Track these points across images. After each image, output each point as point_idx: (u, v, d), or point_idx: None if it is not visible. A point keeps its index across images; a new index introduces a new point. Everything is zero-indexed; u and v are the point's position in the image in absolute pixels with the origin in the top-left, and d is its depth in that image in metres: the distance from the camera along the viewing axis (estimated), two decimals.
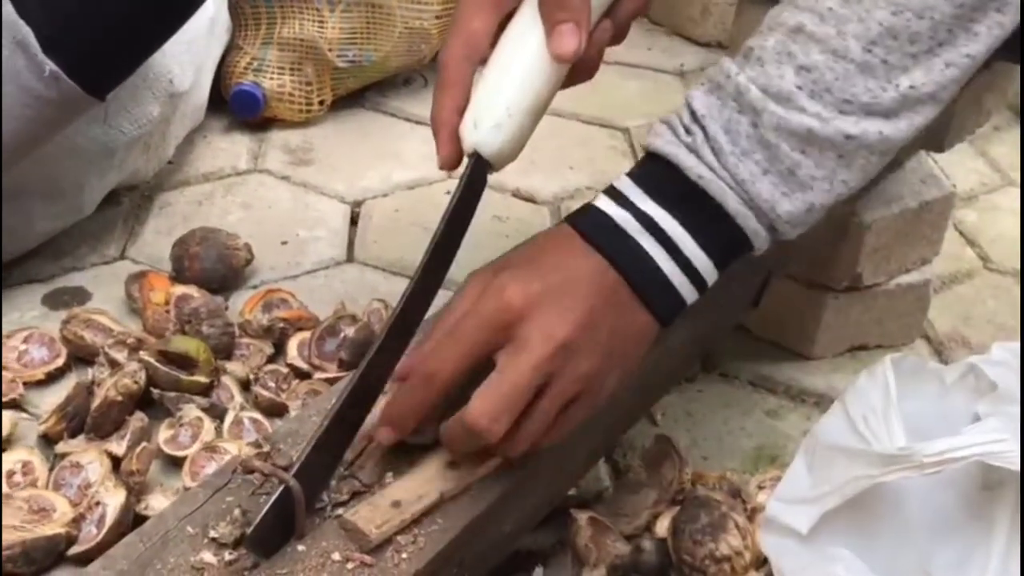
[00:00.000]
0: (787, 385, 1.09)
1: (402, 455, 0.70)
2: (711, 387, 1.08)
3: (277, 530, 0.64)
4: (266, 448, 0.71)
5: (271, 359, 1.05)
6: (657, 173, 0.70)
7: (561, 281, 0.68)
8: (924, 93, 0.68)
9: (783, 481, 0.82)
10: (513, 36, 0.72)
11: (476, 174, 0.72)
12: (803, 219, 0.70)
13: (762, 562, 0.83)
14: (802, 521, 0.77)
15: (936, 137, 1.07)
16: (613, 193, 0.71)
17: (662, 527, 0.85)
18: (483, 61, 0.73)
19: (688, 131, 0.69)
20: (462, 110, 0.72)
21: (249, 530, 0.63)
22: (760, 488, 0.89)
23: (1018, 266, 1.30)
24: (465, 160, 0.72)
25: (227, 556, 0.64)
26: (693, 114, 0.70)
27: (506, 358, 0.66)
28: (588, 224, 0.70)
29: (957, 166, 1.35)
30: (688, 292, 0.70)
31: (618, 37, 0.77)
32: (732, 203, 0.68)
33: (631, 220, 0.69)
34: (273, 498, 0.63)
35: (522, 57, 0.71)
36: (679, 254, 0.69)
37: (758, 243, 0.70)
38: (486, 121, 0.71)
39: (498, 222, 1.31)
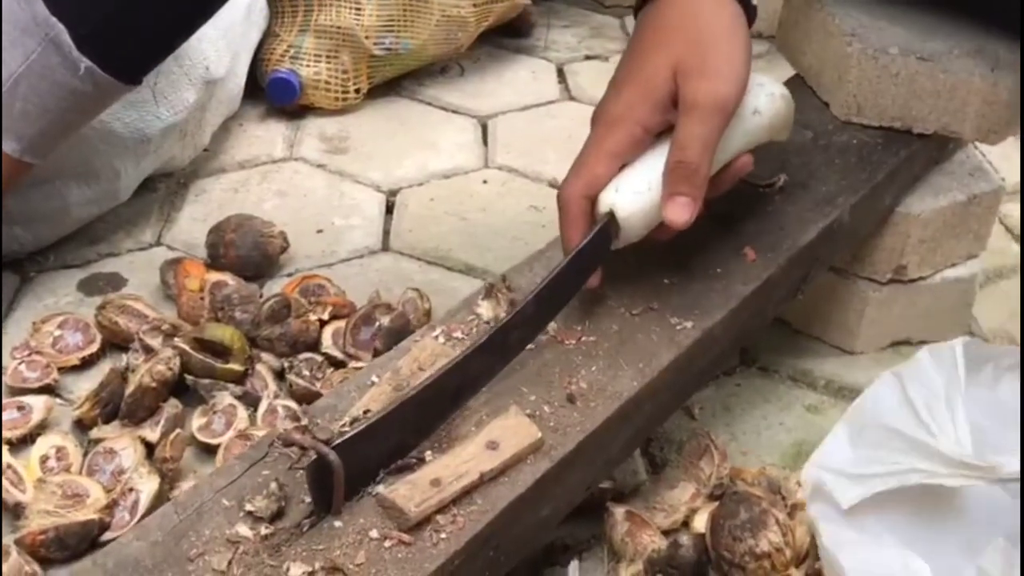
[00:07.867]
0: (828, 380, 1.07)
1: (442, 432, 0.69)
2: (750, 381, 1.06)
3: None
4: (304, 421, 0.70)
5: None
6: None
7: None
8: None
9: (822, 447, 0.81)
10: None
11: (604, 233, 0.77)
12: None
13: (802, 559, 0.82)
14: (846, 497, 0.76)
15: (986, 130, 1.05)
16: None
17: (700, 522, 0.84)
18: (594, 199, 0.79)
19: None
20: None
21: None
22: (800, 484, 0.87)
23: None
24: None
25: (263, 530, 0.63)
26: None
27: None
28: None
29: (1004, 160, 1.32)
30: None
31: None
32: None
33: None
34: (310, 463, 0.63)
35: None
36: None
37: None
38: (627, 188, 0.78)
39: (535, 212, 1.30)
